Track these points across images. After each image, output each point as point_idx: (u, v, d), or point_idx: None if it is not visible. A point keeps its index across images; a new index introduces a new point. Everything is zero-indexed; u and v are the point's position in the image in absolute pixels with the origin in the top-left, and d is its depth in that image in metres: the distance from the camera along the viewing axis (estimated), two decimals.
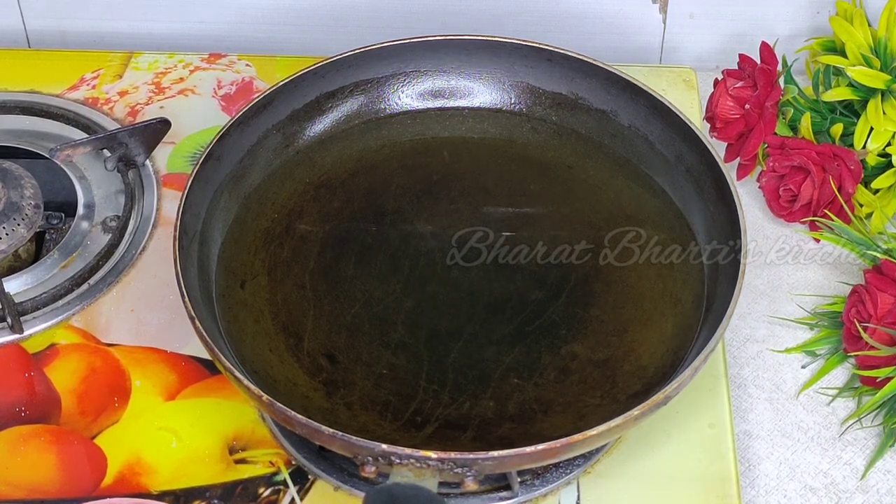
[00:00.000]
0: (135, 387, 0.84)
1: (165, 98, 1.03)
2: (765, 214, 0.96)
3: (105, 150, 0.96)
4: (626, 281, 0.84)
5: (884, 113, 0.91)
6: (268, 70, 1.05)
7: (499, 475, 0.78)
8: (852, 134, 0.93)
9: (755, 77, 0.93)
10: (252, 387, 0.73)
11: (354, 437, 0.70)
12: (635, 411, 0.72)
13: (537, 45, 0.92)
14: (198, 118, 1.01)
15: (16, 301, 0.87)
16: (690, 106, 1.01)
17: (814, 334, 0.89)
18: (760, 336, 0.89)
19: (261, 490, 0.79)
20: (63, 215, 0.95)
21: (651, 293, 0.83)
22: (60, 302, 0.88)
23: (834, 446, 0.83)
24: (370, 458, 0.70)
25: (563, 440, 0.70)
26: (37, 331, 0.87)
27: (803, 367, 0.88)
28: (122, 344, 0.86)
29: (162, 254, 0.91)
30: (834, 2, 0.98)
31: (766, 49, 0.94)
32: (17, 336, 0.87)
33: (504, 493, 0.78)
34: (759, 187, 0.95)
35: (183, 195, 0.82)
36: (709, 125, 0.97)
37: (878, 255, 0.86)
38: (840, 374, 0.87)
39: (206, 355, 0.79)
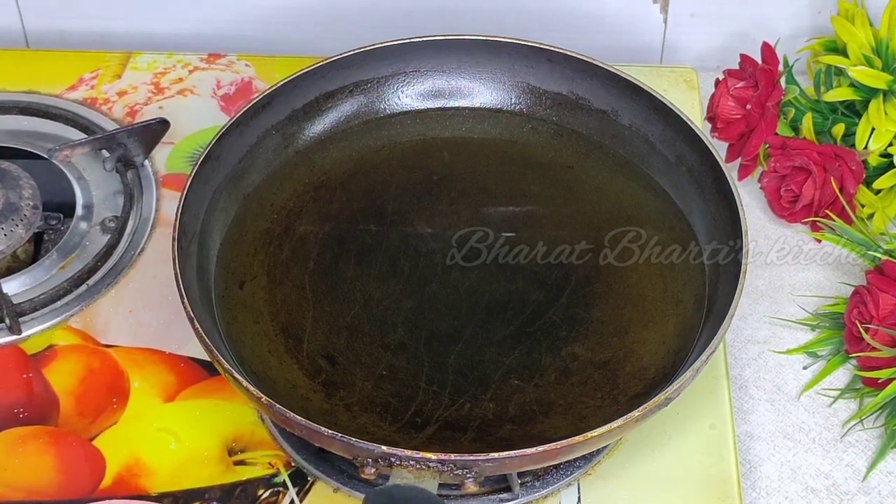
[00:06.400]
0: (133, 388, 0.84)
1: (164, 98, 1.03)
2: (766, 215, 0.96)
3: (104, 151, 0.96)
4: (626, 281, 0.84)
5: (885, 113, 0.91)
6: (267, 70, 1.05)
7: (499, 477, 0.78)
8: (854, 134, 0.92)
9: (756, 77, 0.93)
10: (251, 388, 0.72)
11: (354, 439, 0.70)
12: (636, 413, 0.71)
13: (538, 45, 0.92)
14: (197, 118, 1.01)
15: (14, 302, 0.86)
16: (691, 106, 1.00)
17: (815, 335, 0.89)
18: (762, 337, 0.89)
19: (260, 492, 0.78)
20: (62, 216, 0.94)
21: (652, 294, 0.83)
22: (59, 303, 0.88)
23: (835, 448, 0.83)
24: (370, 460, 0.70)
25: (564, 442, 0.70)
26: (35, 332, 0.87)
27: (805, 368, 0.87)
28: (120, 345, 0.86)
29: (161, 254, 0.91)
30: (835, 1, 0.98)
31: (767, 49, 0.94)
32: (15, 337, 0.86)
33: (504, 495, 0.78)
34: (761, 188, 0.95)
35: (182, 196, 0.82)
36: (710, 125, 0.97)
37: (880, 255, 0.86)
38: (841, 376, 0.87)
39: (205, 356, 0.78)
